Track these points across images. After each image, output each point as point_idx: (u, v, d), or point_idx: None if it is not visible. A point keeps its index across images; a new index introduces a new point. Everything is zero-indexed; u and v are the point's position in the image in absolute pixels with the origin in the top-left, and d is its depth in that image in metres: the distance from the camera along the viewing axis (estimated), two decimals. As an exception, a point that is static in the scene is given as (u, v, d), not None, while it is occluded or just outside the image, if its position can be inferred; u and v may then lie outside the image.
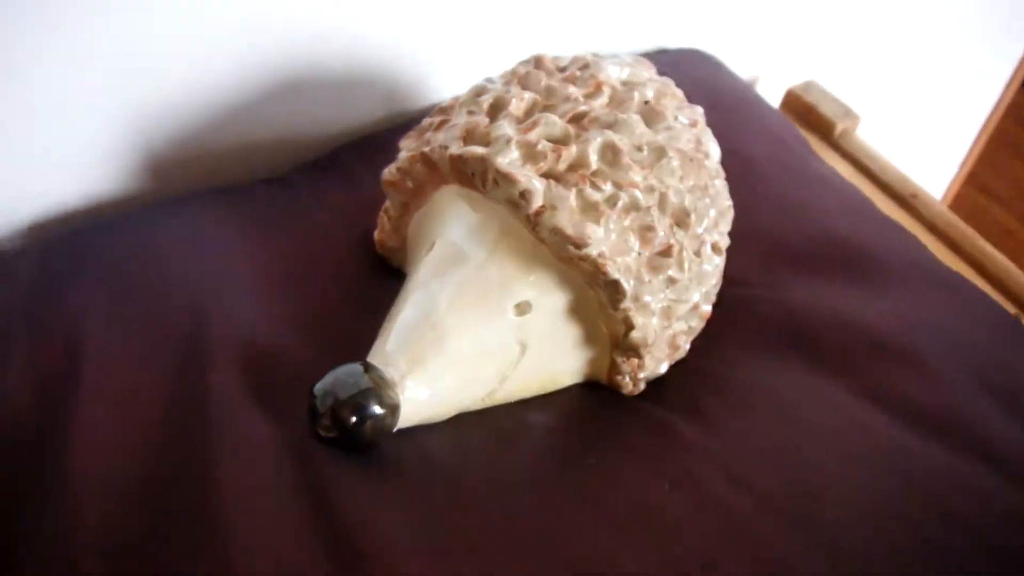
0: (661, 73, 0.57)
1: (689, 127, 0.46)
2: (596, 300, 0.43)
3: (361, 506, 0.38)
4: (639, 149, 0.43)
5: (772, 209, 0.59)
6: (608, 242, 0.41)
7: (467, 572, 0.36)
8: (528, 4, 0.63)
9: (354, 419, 0.39)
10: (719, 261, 0.49)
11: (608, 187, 0.41)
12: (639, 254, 0.42)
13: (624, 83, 0.46)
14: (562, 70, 0.47)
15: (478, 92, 0.46)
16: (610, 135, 0.42)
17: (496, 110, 0.44)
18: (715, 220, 0.48)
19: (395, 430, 0.41)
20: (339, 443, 0.39)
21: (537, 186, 0.40)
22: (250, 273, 0.48)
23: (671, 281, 0.44)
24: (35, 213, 0.53)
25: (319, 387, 0.39)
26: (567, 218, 0.40)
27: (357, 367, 0.40)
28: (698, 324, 0.49)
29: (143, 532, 0.36)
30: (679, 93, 0.49)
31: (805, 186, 0.61)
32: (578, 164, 0.41)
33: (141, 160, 0.55)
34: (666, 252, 0.43)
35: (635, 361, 0.45)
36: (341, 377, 0.40)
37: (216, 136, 0.56)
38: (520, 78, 0.46)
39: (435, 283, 0.43)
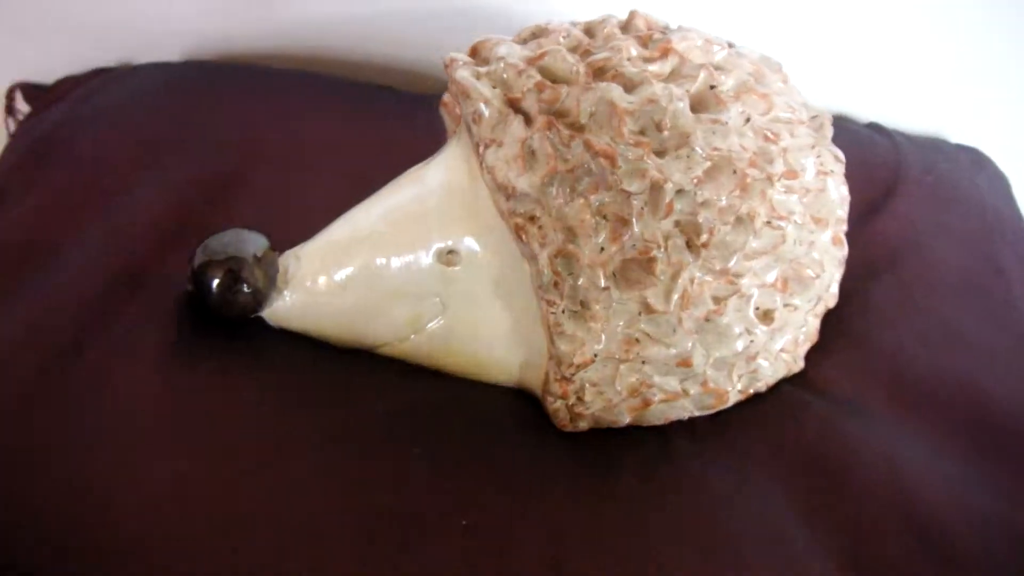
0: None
1: (763, 139, 0.36)
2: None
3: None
4: (657, 128, 0.34)
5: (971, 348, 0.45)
6: (548, 208, 0.33)
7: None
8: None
9: (213, 281, 0.36)
10: (763, 332, 0.38)
11: (577, 145, 0.33)
12: (601, 249, 0.34)
13: (706, 64, 0.37)
14: (650, 29, 0.39)
15: (546, 24, 0.40)
16: (618, 92, 0.34)
17: (535, 38, 0.38)
18: (777, 278, 0.38)
19: (281, 328, 0.38)
20: (192, 299, 0.37)
21: (487, 112, 0.34)
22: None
23: (647, 308, 0.35)
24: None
25: (213, 238, 0.37)
26: (506, 158, 0.33)
27: (261, 239, 0.38)
28: (700, 396, 0.38)
29: None
30: (796, 110, 0.38)
31: None
32: (558, 110, 0.34)
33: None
34: (646, 265, 0.34)
35: (565, 385, 0.36)
36: (238, 239, 0.37)
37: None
38: (596, 24, 0.39)
39: (384, 194, 0.38)
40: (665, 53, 0.37)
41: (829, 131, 0.43)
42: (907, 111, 0.63)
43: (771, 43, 0.57)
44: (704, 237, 0.35)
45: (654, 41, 0.37)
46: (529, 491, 0.34)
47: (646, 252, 0.34)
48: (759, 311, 0.38)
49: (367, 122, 0.49)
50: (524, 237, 0.33)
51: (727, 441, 0.39)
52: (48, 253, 0.39)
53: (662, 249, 0.34)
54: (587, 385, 0.37)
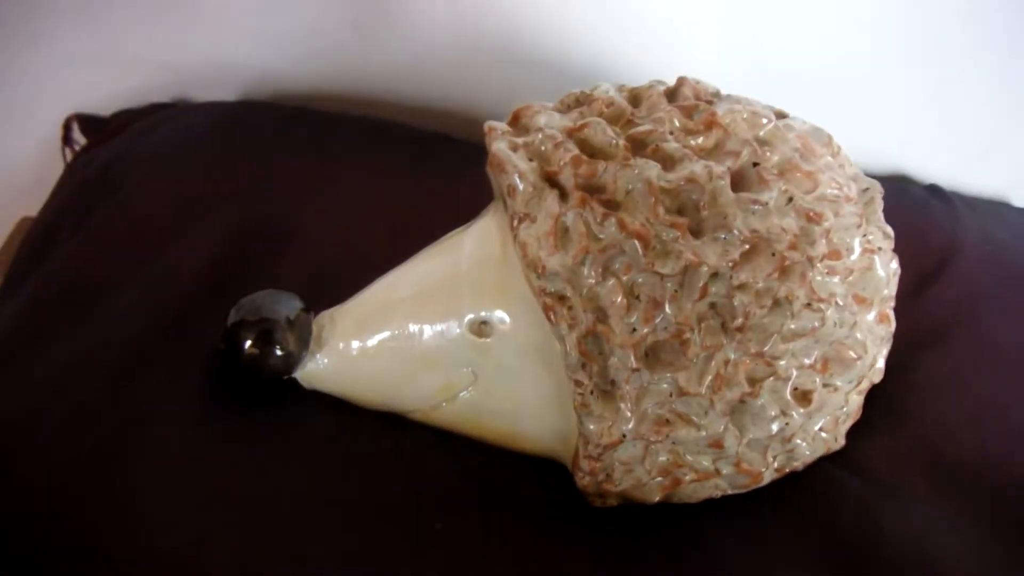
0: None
1: (806, 219, 0.35)
2: (568, 360, 0.35)
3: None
4: (695, 208, 0.34)
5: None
6: (579, 287, 0.33)
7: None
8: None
9: (245, 343, 0.37)
10: (800, 415, 0.37)
11: (611, 224, 0.33)
12: (633, 329, 0.34)
13: (749, 138, 0.36)
14: (697, 98, 0.39)
15: (591, 91, 0.40)
16: (656, 171, 0.33)
17: (579, 105, 0.38)
18: (816, 359, 0.37)
19: (313, 390, 0.38)
20: (224, 359, 0.37)
21: (519, 185, 0.34)
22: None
23: (679, 390, 0.35)
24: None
25: (247, 299, 0.38)
26: (539, 235, 0.33)
27: (296, 301, 0.38)
28: (733, 475, 0.38)
29: None
30: (844, 186, 0.37)
31: None
32: (594, 185, 0.34)
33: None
34: (679, 348, 0.34)
35: (594, 463, 0.36)
36: (273, 301, 0.38)
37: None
38: (643, 91, 0.39)
39: (418, 262, 0.39)
40: (710, 126, 0.36)
41: (879, 205, 0.42)
42: (971, 171, 0.61)
43: (831, 99, 0.57)
44: (739, 321, 0.34)
45: (699, 112, 0.37)
46: (549, 570, 0.33)
47: (679, 335, 0.34)
48: (796, 392, 0.38)
49: (421, 172, 0.49)
50: (553, 317, 0.33)
51: (758, 520, 0.38)
52: (89, 298, 0.40)
53: (695, 332, 0.34)
54: (616, 463, 0.36)
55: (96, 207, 0.46)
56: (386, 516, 0.34)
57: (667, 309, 0.33)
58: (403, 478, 0.36)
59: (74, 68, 0.60)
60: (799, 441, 0.39)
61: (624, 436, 0.35)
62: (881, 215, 0.42)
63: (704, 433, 0.36)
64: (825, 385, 0.39)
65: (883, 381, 0.45)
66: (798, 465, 0.40)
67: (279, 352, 0.37)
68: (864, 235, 0.39)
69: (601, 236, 0.33)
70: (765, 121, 0.37)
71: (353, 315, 0.38)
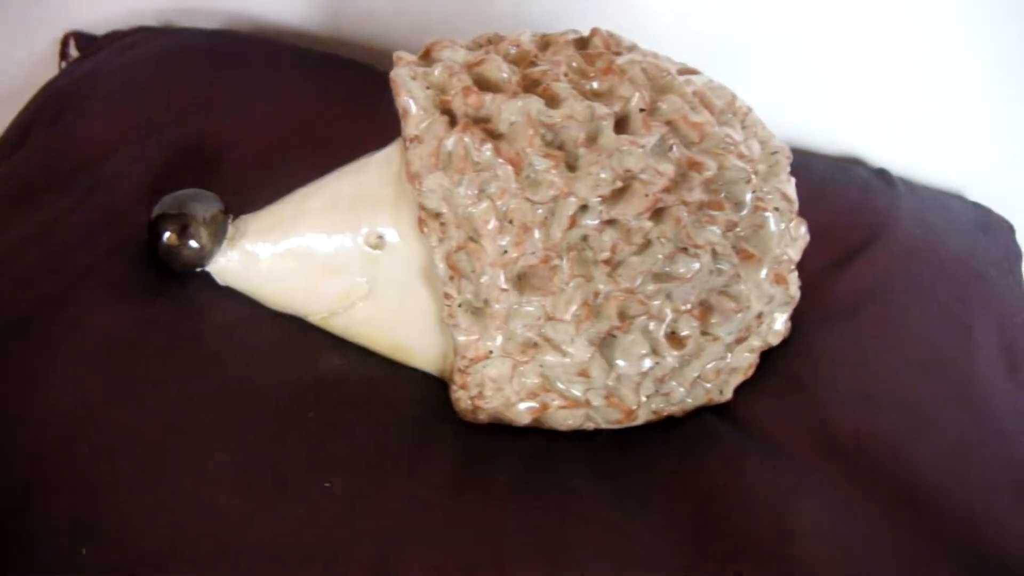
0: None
1: (687, 166, 0.38)
2: (449, 278, 0.38)
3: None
4: (573, 143, 0.36)
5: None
6: (454, 206, 0.36)
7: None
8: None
9: (164, 234, 0.40)
10: (673, 357, 0.40)
11: (487, 149, 0.35)
12: (505, 251, 0.36)
13: (643, 86, 0.39)
14: (607, 48, 0.41)
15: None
16: (538, 105, 0.36)
17: (489, 44, 0.41)
18: (693, 305, 0.39)
19: (223, 285, 0.42)
20: (147, 249, 0.41)
21: (414, 110, 0.36)
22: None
23: (546, 315, 0.37)
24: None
25: (171, 195, 0.42)
26: (423, 155, 0.36)
27: (216, 201, 0.42)
28: (604, 409, 0.41)
29: None
30: (739, 144, 0.40)
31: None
32: (481, 116, 0.37)
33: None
34: (546, 273, 0.37)
35: (465, 377, 0.39)
36: (194, 199, 0.41)
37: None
38: (554, 37, 0.41)
39: (330, 178, 0.42)
40: (606, 72, 0.39)
41: (784, 168, 0.44)
42: (931, 162, 0.62)
43: (789, 76, 0.58)
44: (606, 254, 0.37)
45: (601, 59, 0.39)
46: (399, 466, 0.36)
47: (547, 260, 0.36)
48: (671, 335, 0.40)
49: (360, 101, 0.52)
50: (425, 231, 0.36)
51: (622, 457, 0.40)
52: (33, 195, 0.44)
53: (563, 260, 0.37)
54: (487, 380, 0.39)
55: (61, 115, 0.50)
56: (268, 400, 0.37)
57: (536, 235, 0.36)
58: (291, 369, 0.39)
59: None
60: (675, 384, 0.42)
61: (491, 352, 0.38)
62: (786, 179, 0.44)
63: (569, 360, 0.38)
64: (704, 333, 0.41)
65: (784, 346, 0.47)
66: (676, 410, 0.43)
67: (193, 245, 0.40)
68: (755, 192, 0.41)
69: (478, 160, 0.36)
70: (663, 73, 0.40)
71: (265, 220, 0.41)
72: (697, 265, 0.39)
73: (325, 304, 0.41)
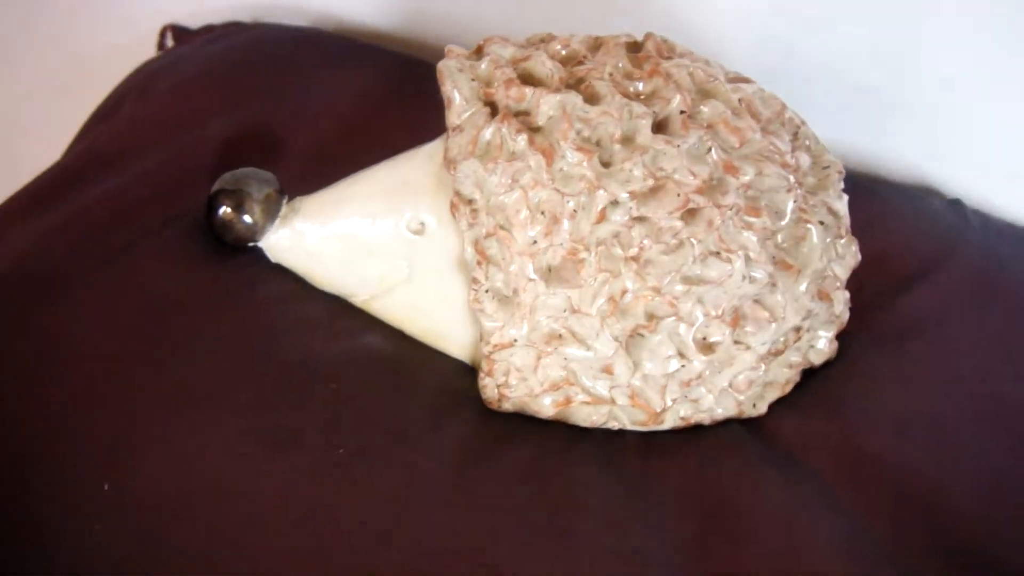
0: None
1: (723, 170, 0.38)
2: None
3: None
4: (609, 140, 0.37)
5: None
6: (487, 194, 0.37)
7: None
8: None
9: (220, 207, 0.43)
10: (701, 362, 0.40)
11: (522, 140, 0.37)
12: (534, 241, 0.38)
13: (687, 89, 0.40)
14: (658, 53, 0.42)
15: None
16: (575, 101, 0.37)
17: (542, 43, 0.42)
18: (724, 311, 0.40)
19: (274, 262, 0.45)
20: (205, 221, 0.44)
21: (457, 99, 0.38)
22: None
23: (572, 309, 0.39)
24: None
25: (232, 172, 0.44)
26: (461, 144, 0.38)
27: (272, 180, 0.44)
28: (629, 409, 0.41)
29: None
30: (784, 153, 0.40)
31: None
32: (522, 109, 0.38)
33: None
34: (573, 266, 0.38)
35: (491, 364, 0.40)
36: (252, 176, 0.44)
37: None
38: (606, 39, 0.43)
39: (382, 165, 0.44)
40: (652, 74, 0.40)
41: (835, 183, 0.44)
42: (1013, 195, 0.60)
43: (873, 102, 0.58)
44: (633, 251, 0.37)
45: (648, 62, 0.40)
46: (412, 440, 0.38)
47: (574, 253, 0.38)
48: (701, 340, 0.41)
49: (428, 103, 0.55)
50: (456, 215, 0.37)
51: (638, 456, 0.41)
52: (110, 164, 0.48)
53: (591, 253, 0.38)
54: (512, 369, 0.40)
55: (147, 91, 0.54)
56: (294, 370, 0.40)
57: (565, 226, 0.37)
58: (324, 344, 0.41)
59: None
60: (704, 391, 0.42)
61: (516, 340, 0.39)
62: (835, 194, 0.44)
63: (593, 355, 0.39)
64: (736, 342, 0.41)
65: (827, 367, 0.47)
66: (704, 418, 0.43)
67: (246, 220, 0.43)
68: (797, 203, 0.41)
69: (512, 150, 0.37)
70: (711, 79, 0.40)
71: (316, 201, 0.44)
72: (729, 269, 0.39)
73: (366, 286, 0.43)
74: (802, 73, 0.61)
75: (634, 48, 0.43)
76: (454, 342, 0.43)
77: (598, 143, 0.38)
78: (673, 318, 0.39)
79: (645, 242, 0.38)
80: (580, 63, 0.40)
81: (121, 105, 0.55)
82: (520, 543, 0.35)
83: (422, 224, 0.41)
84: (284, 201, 0.44)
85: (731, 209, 0.39)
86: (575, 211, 0.37)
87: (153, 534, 0.33)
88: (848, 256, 0.46)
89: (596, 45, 0.42)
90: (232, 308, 0.42)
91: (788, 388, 0.46)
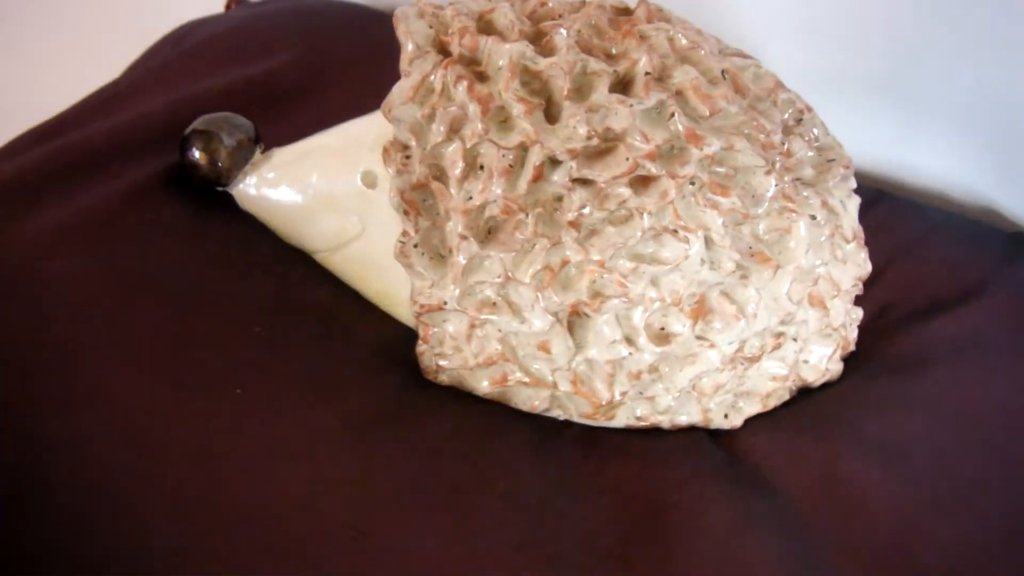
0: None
1: (685, 139, 0.35)
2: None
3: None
4: (559, 94, 0.35)
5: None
6: (424, 142, 0.36)
7: None
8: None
9: (188, 149, 0.44)
10: (652, 352, 0.37)
11: (462, 88, 0.35)
12: (469, 198, 0.36)
13: (662, 52, 0.37)
14: (648, 19, 0.39)
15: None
16: (523, 50, 0.35)
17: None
18: (683, 299, 0.37)
19: (244, 209, 0.45)
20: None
21: (409, 46, 0.37)
22: None
23: (507, 275, 0.36)
24: None
25: (210, 115, 0.45)
26: (403, 89, 0.36)
27: (249, 128, 0.44)
28: (573, 397, 0.39)
29: None
30: (766, 131, 0.37)
31: None
32: (475, 58, 0.36)
33: None
34: (506, 227, 0.36)
35: (426, 329, 0.38)
36: (227, 121, 0.44)
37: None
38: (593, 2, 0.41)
39: (353, 120, 0.43)
40: (626, 35, 0.37)
41: (836, 176, 0.40)
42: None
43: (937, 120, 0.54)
44: (570, 215, 0.35)
45: (627, 23, 0.38)
46: (320, 394, 0.36)
47: (509, 212, 0.35)
48: (656, 328, 0.37)
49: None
50: (386, 160, 0.36)
51: (583, 453, 0.38)
52: (125, 99, 0.50)
53: (528, 216, 0.35)
54: (447, 337, 0.38)
55: (175, 46, 0.56)
56: (222, 309, 0.39)
57: (500, 183, 0.35)
58: (260, 288, 0.41)
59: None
60: (661, 388, 0.39)
61: (445, 303, 0.37)
62: (841, 191, 0.40)
63: (528, 327, 0.37)
64: (699, 337, 0.38)
65: (826, 388, 0.43)
66: (663, 421, 0.40)
67: (212, 163, 0.43)
68: (780, 188, 0.37)
69: (452, 97, 0.35)
70: (693, 46, 0.38)
71: (286, 152, 0.44)
72: (685, 249, 0.36)
73: (324, 240, 0.43)
74: (867, 89, 0.57)
75: (623, 13, 0.40)
76: (402, 305, 0.42)
77: (550, 98, 0.36)
78: (622, 299, 0.36)
79: (587, 209, 0.35)
80: (554, 20, 0.39)
81: (154, 55, 0.57)
82: (405, 512, 0.33)
83: (376, 178, 0.40)
84: (259, 150, 0.44)
85: (691, 183, 0.36)
86: (511, 166, 0.35)
87: (57, 470, 0.33)
88: (852, 263, 0.41)
89: (578, 7, 0.40)
90: (181, 243, 0.42)
91: (771, 403, 0.42)
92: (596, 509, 0.35)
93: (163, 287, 0.39)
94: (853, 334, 0.44)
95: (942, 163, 0.56)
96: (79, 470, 0.32)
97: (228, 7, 0.71)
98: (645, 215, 0.35)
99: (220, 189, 0.44)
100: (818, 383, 0.43)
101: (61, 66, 0.92)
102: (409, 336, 0.41)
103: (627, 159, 0.35)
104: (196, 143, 0.43)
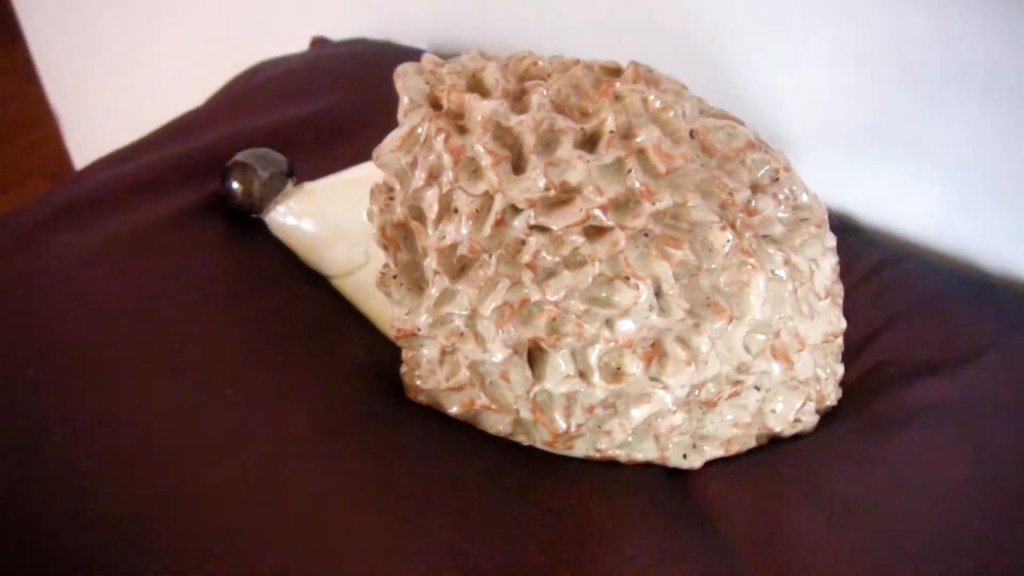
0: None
1: (640, 194, 0.39)
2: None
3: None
4: (526, 149, 0.39)
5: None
6: (407, 185, 0.41)
7: None
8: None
9: (225, 178, 0.50)
10: (603, 389, 0.41)
11: (440, 139, 0.40)
12: (443, 237, 0.40)
13: (622, 111, 0.41)
14: (635, 81, 0.43)
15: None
16: (497, 108, 0.39)
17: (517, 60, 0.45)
18: (636, 342, 0.40)
19: (275, 235, 0.51)
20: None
21: (405, 99, 0.42)
22: None
23: (472, 309, 0.41)
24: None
25: (250, 149, 0.51)
26: (394, 137, 0.41)
27: (282, 163, 0.51)
28: (532, 425, 0.42)
29: None
30: (730, 190, 0.40)
31: None
32: (459, 112, 0.41)
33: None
34: (472, 265, 0.40)
35: (407, 352, 0.43)
36: (263, 156, 0.51)
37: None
38: (588, 63, 0.45)
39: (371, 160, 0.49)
40: (602, 95, 0.41)
41: (807, 235, 0.42)
42: None
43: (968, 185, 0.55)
44: (527, 258, 0.39)
45: (604, 84, 0.42)
46: (297, 399, 0.41)
47: (474, 252, 0.40)
48: (610, 367, 0.41)
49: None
50: (371, 200, 0.41)
51: (528, 473, 0.41)
52: (190, 129, 0.57)
53: (490, 256, 0.40)
54: (424, 361, 0.43)
55: (247, 81, 0.63)
56: (239, 320, 0.45)
57: (467, 226, 0.39)
58: (273, 299, 0.46)
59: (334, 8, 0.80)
60: (616, 424, 0.42)
61: (419, 329, 0.41)
62: (814, 248, 0.42)
63: (488, 358, 0.41)
64: (653, 379, 0.41)
65: (796, 439, 0.45)
66: (621, 455, 0.43)
67: (246, 193, 0.49)
68: (739, 244, 0.40)
69: (433, 147, 0.40)
70: (666, 108, 0.41)
71: (315, 186, 0.49)
72: (635, 296, 0.39)
73: (335, 266, 0.48)
74: (902, 150, 0.58)
75: (613, 73, 0.44)
76: (397, 331, 0.46)
77: (520, 152, 0.40)
78: (575, 337, 0.40)
79: (543, 253, 0.39)
80: (543, 80, 0.43)
81: (230, 88, 0.64)
82: (345, 512, 0.37)
83: (377, 213, 0.45)
84: (291, 182, 0.50)
85: (644, 234, 0.39)
86: (477, 211, 0.39)
87: (60, 453, 0.39)
88: (823, 319, 0.43)
89: (568, 67, 0.44)
90: (214, 261, 0.48)
91: (735, 449, 0.44)
92: (534, 529, 0.39)
93: (184, 297, 0.45)
94: (829, 389, 0.45)
95: (969, 226, 0.57)
96: (93, 444, 0.39)
97: (313, 44, 0.79)
98: (597, 262, 0.39)
99: (254, 216, 0.51)
100: (787, 434, 0.45)
101: (165, 86, 1.02)
102: (396, 358, 0.46)
103: (580, 210, 0.38)
104: (234, 174, 0.50)
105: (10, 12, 1.21)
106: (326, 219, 0.48)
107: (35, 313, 0.43)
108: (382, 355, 0.46)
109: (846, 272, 0.53)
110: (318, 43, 0.77)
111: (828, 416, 0.46)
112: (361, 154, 0.52)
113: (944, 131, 0.55)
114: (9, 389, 0.39)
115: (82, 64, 1.17)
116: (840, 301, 0.45)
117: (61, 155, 1.39)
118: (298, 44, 0.81)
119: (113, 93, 1.14)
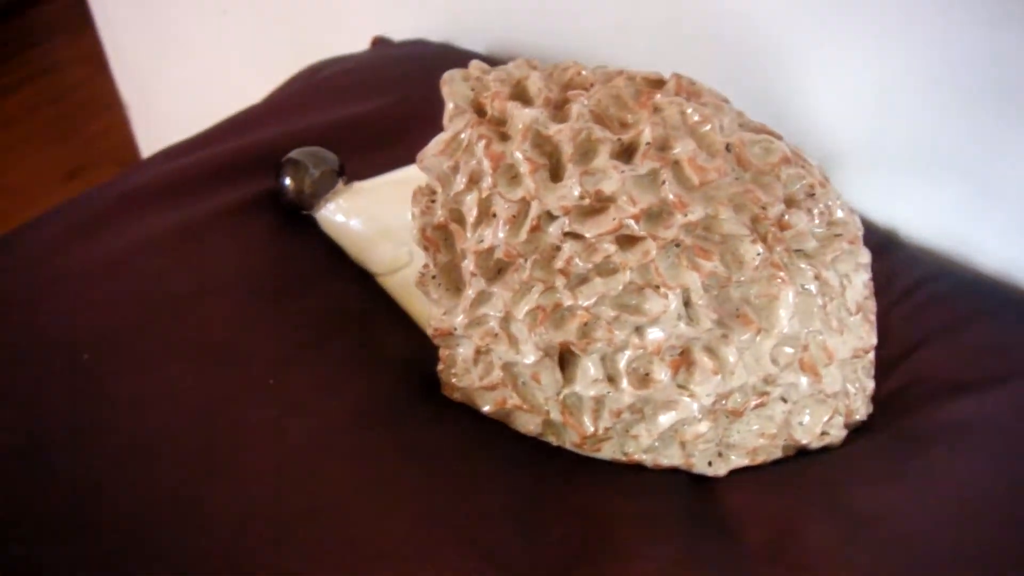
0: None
1: (675, 204, 0.40)
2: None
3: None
4: (564, 158, 0.41)
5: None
6: (448, 189, 0.42)
7: None
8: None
9: (279, 175, 0.53)
10: (631, 394, 0.42)
11: (481, 145, 0.42)
12: (481, 240, 0.42)
13: (674, 125, 0.42)
14: (677, 92, 0.44)
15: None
16: (537, 117, 0.41)
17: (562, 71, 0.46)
18: (664, 350, 0.41)
19: (324, 231, 0.53)
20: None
21: (450, 105, 0.44)
22: None
23: (506, 311, 0.42)
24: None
25: (303, 147, 0.54)
26: (439, 142, 0.43)
27: (333, 161, 0.53)
28: (562, 427, 0.44)
29: None
30: (764, 203, 0.41)
31: None
32: (501, 119, 0.43)
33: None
34: (508, 269, 0.42)
35: (444, 350, 0.45)
36: (315, 154, 0.53)
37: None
38: (632, 73, 0.46)
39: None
40: (641, 107, 0.42)
41: (839, 251, 0.43)
42: None
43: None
44: (560, 264, 0.40)
45: (645, 95, 0.43)
46: (340, 391, 0.43)
47: (510, 256, 0.41)
48: (639, 372, 0.42)
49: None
50: (412, 202, 0.43)
51: (554, 471, 0.43)
52: (249, 125, 0.60)
53: (526, 261, 0.41)
54: (459, 359, 0.45)
55: (309, 80, 0.66)
56: (284, 313, 0.47)
57: (505, 231, 0.41)
58: (328, 297, 0.49)
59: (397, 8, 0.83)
60: (642, 428, 0.43)
61: (455, 329, 0.43)
62: (839, 261, 0.43)
63: (522, 359, 0.42)
64: (680, 386, 0.42)
65: (825, 452, 0.46)
66: (647, 460, 0.44)
67: (297, 190, 0.52)
68: (769, 257, 0.41)
69: (475, 152, 0.42)
70: (704, 122, 0.42)
71: (364, 185, 0.52)
72: (665, 305, 0.40)
73: (382, 265, 0.50)
74: (951, 170, 0.58)
75: (656, 84, 0.45)
76: (437, 329, 0.48)
77: (558, 160, 0.41)
78: (607, 343, 0.41)
79: (576, 260, 0.40)
80: (585, 89, 0.44)
81: (291, 85, 0.67)
82: (372, 499, 0.39)
83: (422, 215, 0.47)
84: (341, 181, 0.53)
85: (676, 244, 0.40)
86: (514, 216, 0.41)
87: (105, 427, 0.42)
88: (852, 335, 0.44)
89: (611, 77, 0.46)
90: (263, 255, 0.50)
91: (760, 458, 0.45)
92: (556, 527, 0.40)
93: (234, 289, 0.48)
94: (858, 404, 0.46)
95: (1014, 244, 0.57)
96: (136, 422, 0.41)
97: (373, 43, 0.81)
98: (628, 270, 0.40)
99: (305, 213, 0.53)
100: (815, 446, 0.46)
101: (232, 79, 1.06)
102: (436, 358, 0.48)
103: (614, 219, 0.40)
104: (287, 171, 0.52)
105: (83, 1, 1.26)
106: (373, 218, 0.50)
107: (92, 301, 0.46)
108: (422, 352, 0.48)
109: (886, 288, 0.54)
110: (378, 43, 0.79)
111: (857, 431, 0.47)
112: (412, 156, 0.54)
113: (996, 152, 0.55)
114: (70, 373, 0.42)
115: (152, 54, 1.22)
116: (872, 317, 0.45)
117: (128, 143, 1.44)
118: (363, 41, 0.84)
119: (181, 84, 1.19)
